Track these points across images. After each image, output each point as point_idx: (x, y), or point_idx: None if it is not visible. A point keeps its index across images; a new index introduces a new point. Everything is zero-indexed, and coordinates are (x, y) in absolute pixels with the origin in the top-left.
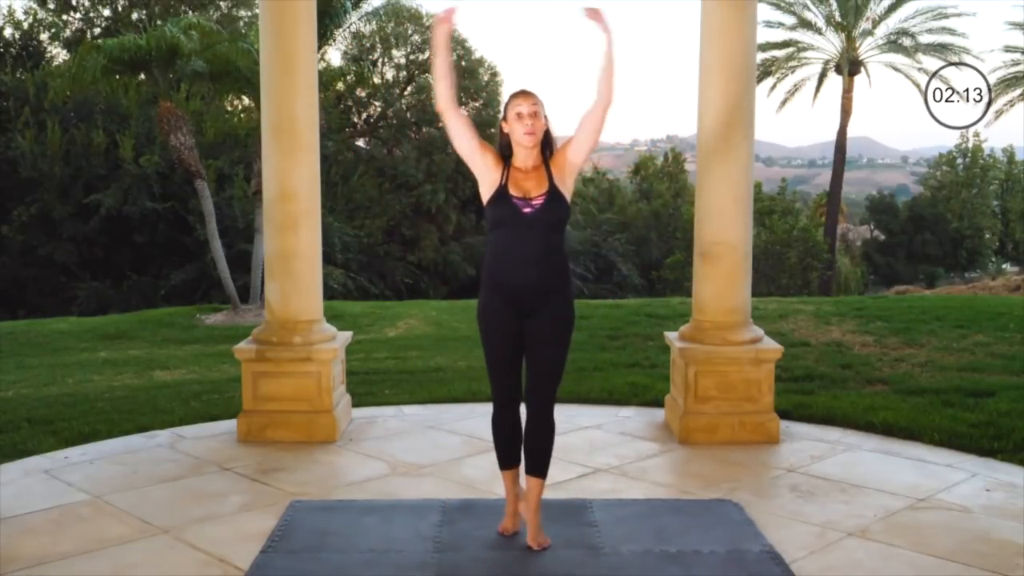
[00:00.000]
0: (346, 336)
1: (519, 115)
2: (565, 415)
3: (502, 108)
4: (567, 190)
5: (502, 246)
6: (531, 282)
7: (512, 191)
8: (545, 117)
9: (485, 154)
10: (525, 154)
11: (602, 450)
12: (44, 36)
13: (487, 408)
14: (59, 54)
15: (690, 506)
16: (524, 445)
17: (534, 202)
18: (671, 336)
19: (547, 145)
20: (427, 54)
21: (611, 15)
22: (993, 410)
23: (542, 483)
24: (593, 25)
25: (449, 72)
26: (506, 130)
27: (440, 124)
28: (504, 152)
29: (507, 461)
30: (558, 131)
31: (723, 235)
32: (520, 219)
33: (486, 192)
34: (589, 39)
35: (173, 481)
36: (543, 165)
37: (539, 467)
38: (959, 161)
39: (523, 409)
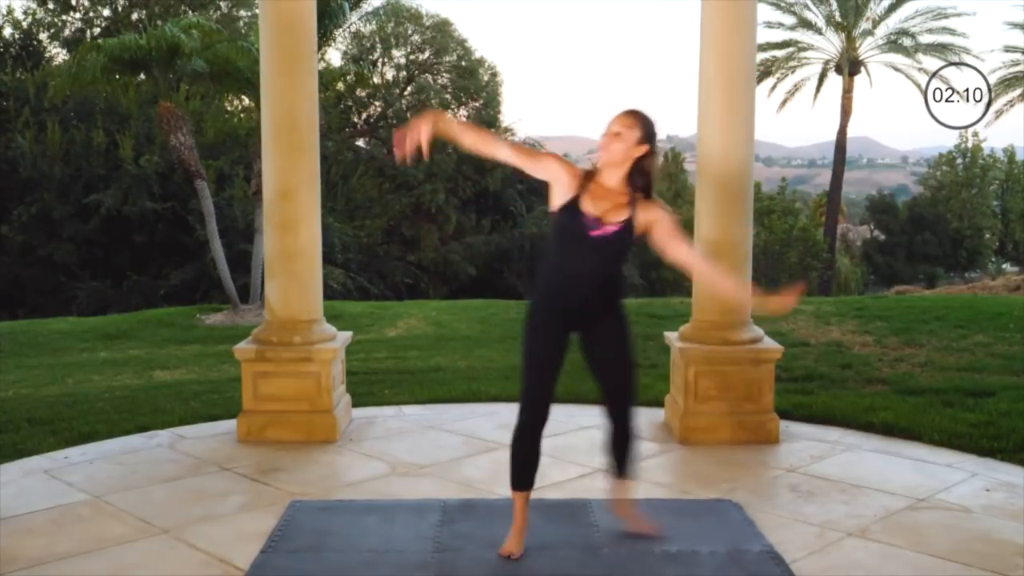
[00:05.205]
0: (346, 336)
1: (603, 134)
2: (565, 414)
3: None
4: (638, 231)
5: (562, 263)
6: (587, 304)
7: (584, 206)
8: (639, 141)
9: (561, 168)
10: (609, 172)
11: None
12: (44, 36)
13: (487, 408)
14: (59, 54)
15: (690, 506)
16: (611, 453)
17: (607, 228)
18: (671, 336)
19: (640, 176)
20: (426, 54)
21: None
22: (993, 410)
23: (630, 483)
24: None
25: (500, 145)
26: None
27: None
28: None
29: (523, 482)
30: (559, 131)
31: (723, 235)
32: (585, 239)
33: (557, 198)
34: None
35: (173, 481)
36: (628, 194)
37: (627, 470)
38: (959, 161)
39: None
